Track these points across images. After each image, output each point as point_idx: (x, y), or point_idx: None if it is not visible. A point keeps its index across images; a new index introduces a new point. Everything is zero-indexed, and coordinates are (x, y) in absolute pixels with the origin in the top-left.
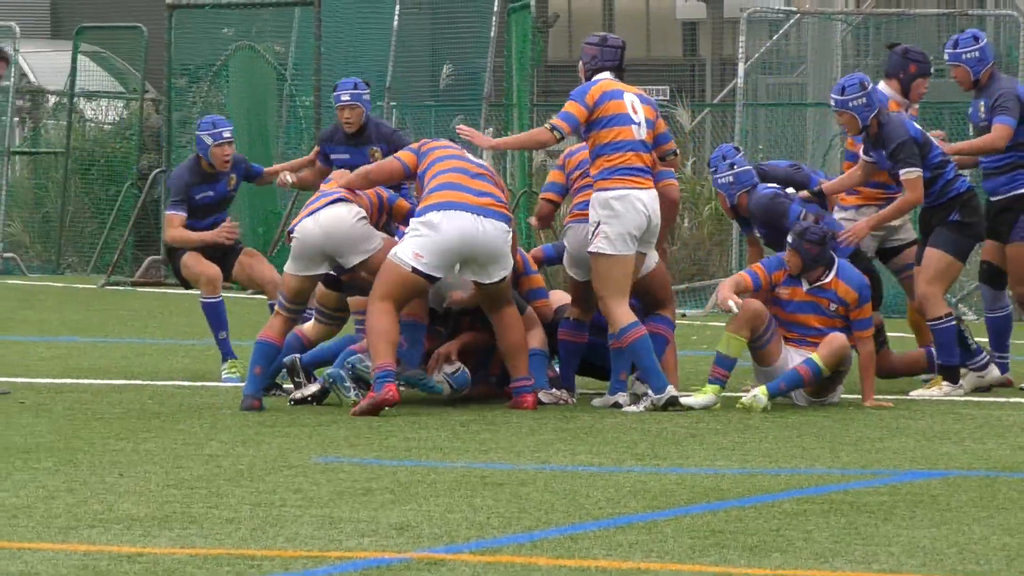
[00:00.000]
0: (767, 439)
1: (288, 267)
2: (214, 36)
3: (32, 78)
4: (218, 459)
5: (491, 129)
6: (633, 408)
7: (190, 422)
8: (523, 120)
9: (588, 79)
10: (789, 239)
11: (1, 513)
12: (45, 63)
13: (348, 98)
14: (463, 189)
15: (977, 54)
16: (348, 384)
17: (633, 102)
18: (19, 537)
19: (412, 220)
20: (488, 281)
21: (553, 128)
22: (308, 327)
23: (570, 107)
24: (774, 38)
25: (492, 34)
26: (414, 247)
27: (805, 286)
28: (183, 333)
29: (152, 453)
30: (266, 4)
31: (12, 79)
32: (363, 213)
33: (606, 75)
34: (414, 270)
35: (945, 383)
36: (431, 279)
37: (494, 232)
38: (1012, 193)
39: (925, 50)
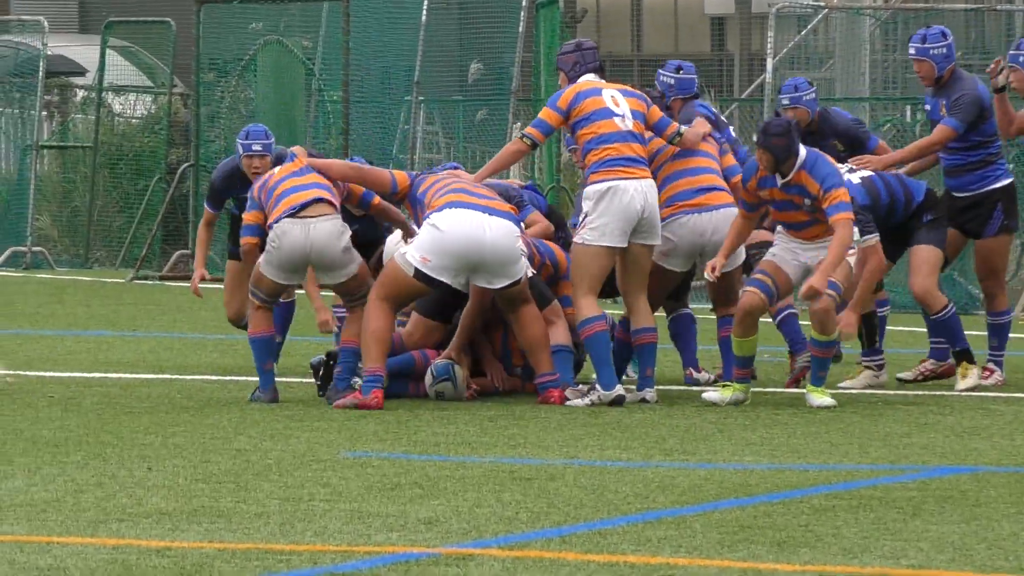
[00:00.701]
0: (795, 435)
1: (265, 270)
2: (242, 31)
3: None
4: (246, 453)
5: (519, 124)
6: (578, 401)
7: (218, 416)
8: None
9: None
10: (756, 138)
11: (30, 507)
12: (73, 57)
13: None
14: (469, 194)
15: (944, 51)
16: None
17: (613, 96)
18: (48, 531)
19: (424, 222)
20: (500, 287)
21: (523, 136)
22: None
23: (543, 114)
24: (802, 33)
25: (520, 29)
26: (422, 249)
27: (779, 182)
28: (211, 327)
29: (181, 447)
30: None
31: (41, 72)
32: (348, 232)
33: (588, 77)
34: (416, 273)
35: (971, 371)
36: (435, 284)
37: (502, 230)
38: (984, 189)
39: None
